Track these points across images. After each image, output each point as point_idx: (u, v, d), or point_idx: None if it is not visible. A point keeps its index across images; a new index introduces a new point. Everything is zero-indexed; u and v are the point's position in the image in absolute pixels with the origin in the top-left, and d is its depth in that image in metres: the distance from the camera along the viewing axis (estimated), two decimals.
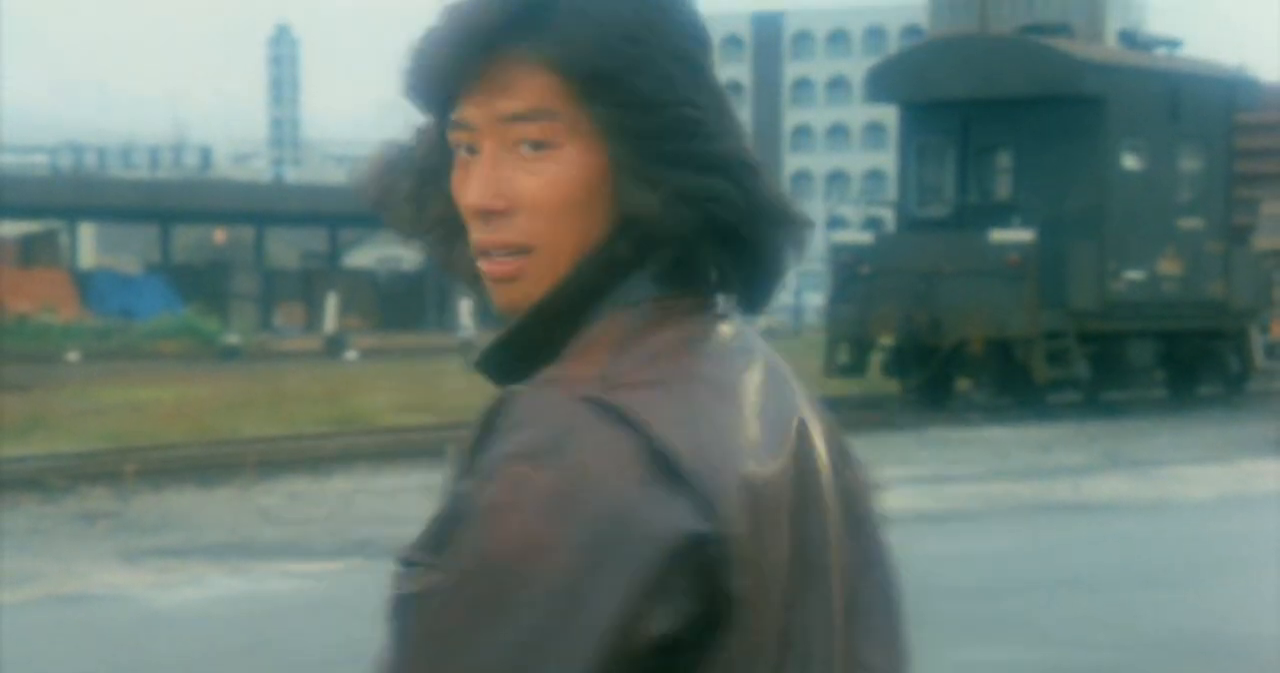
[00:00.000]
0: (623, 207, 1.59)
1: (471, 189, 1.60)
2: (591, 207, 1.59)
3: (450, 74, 1.60)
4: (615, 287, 1.60)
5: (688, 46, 1.61)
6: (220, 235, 60.85)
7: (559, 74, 1.58)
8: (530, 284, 1.60)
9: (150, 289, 46.02)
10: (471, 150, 1.61)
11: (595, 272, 1.59)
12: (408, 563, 1.49)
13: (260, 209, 49.82)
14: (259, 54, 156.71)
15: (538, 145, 1.59)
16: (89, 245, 62.12)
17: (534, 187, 1.59)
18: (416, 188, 1.67)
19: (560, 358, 1.57)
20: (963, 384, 22.19)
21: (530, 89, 1.59)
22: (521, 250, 1.59)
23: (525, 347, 1.61)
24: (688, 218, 1.58)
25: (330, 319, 39.87)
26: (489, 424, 1.51)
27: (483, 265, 1.61)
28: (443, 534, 1.47)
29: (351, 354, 35.63)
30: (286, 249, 62.15)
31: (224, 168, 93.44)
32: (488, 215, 1.59)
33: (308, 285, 49.25)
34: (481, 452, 1.50)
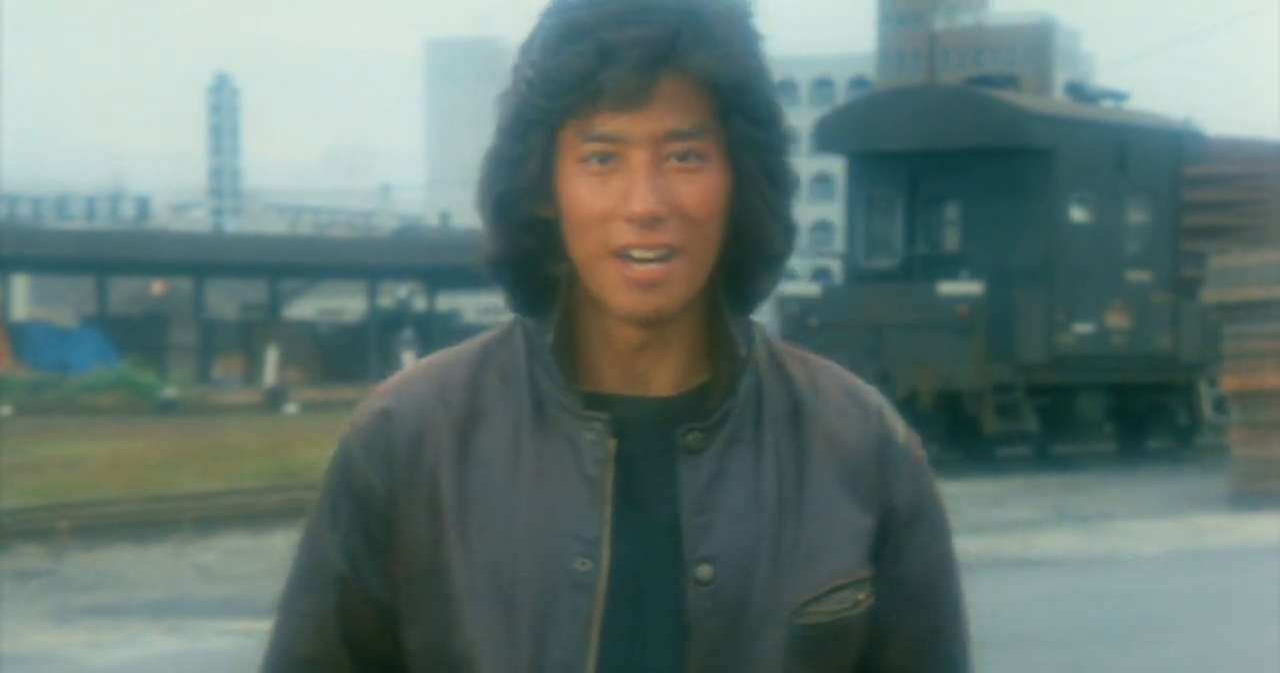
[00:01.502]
0: (745, 223, 1.75)
1: (636, 196, 1.71)
2: (723, 219, 1.75)
3: (621, 91, 1.69)
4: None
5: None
6: (158, 287, 60.58)
7: (711, 91, 1.72)
8: (676, 288, 1.72)
9: (86, 342, 45.74)
10: (605, 160, 1.72)
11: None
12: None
13: (199, 260, 49.65)
14: (198, 103, 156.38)
15: (685, 157, 1.72)
16: (23, 297, 61.73)
17: (692, 195, 1.72)
18: (532, 196, 1.75)
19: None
20: None
21: (693, 106, 1.72)
22: (672, 253, 1.71)
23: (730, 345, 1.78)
24: (788, 243, 1.79)
25: (270, 372, 39.73)
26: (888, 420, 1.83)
27: (623, 270, 1.71)
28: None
29: (292, 407, 35.47)
30: (226, 301, 61.91)
31: (162, 218, 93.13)
32: (651, 221, 1.70)
33: (247, 337, 49.05)
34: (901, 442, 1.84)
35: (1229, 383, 18.09)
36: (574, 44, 1.71)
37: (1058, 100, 26.17)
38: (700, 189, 1.72)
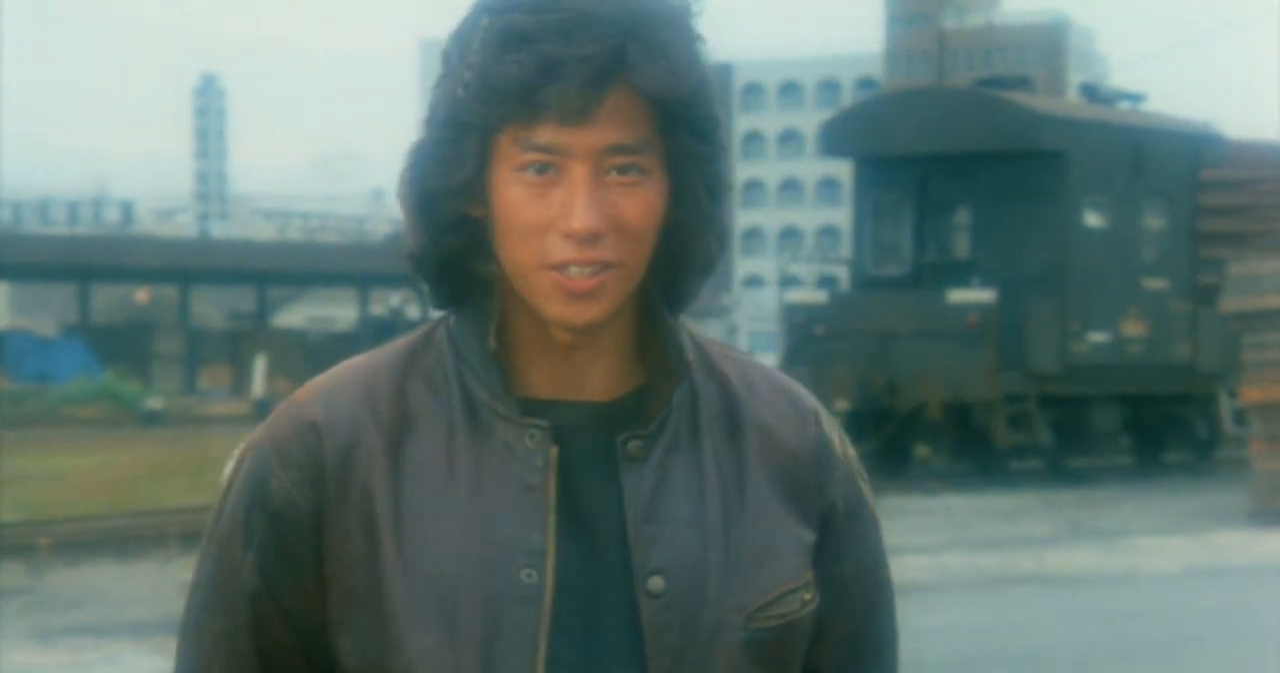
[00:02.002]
0: (680, 232, 1.78)
1: (576, 212, 1.72)
2: (659, 226, 1.77)
3: (565, 108, 1.71)
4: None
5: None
6: (142, 294, 60.59)
7: (658, 105, 1.73)
8: (609, 298, 1.75)
9: (68, 352, 45.73)
10: (543, 170, 1.73)
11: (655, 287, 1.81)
12: None
13: (185, 266, 49.66)
14: (184, 104, 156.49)
15: (626, 170, 1.74)
16: (2, 305, 61.76)
17: (632, 210, 1.74)
18: (462, 196, 1.77)
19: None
20: (921, 450, 22.26)
21: (638, 120, 1.74)
22: (606, 266, 1.74)
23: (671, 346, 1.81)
24: (719, 250, 1.80)
25: (258, 382, 39.72)
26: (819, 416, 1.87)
27: (558, 280, 1.74)
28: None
29: None
30: (212, 309, 61.93)
31: (147, 223, 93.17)
32: (591, 238, 1.72)
33: (235, 347, 49.07)
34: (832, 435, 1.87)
35: (1249, 394, 18.09)
36: (514, 53, 1.71)
37: (1071, 102, 26.19)
38: (640, 204, 1.74)
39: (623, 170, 1.73)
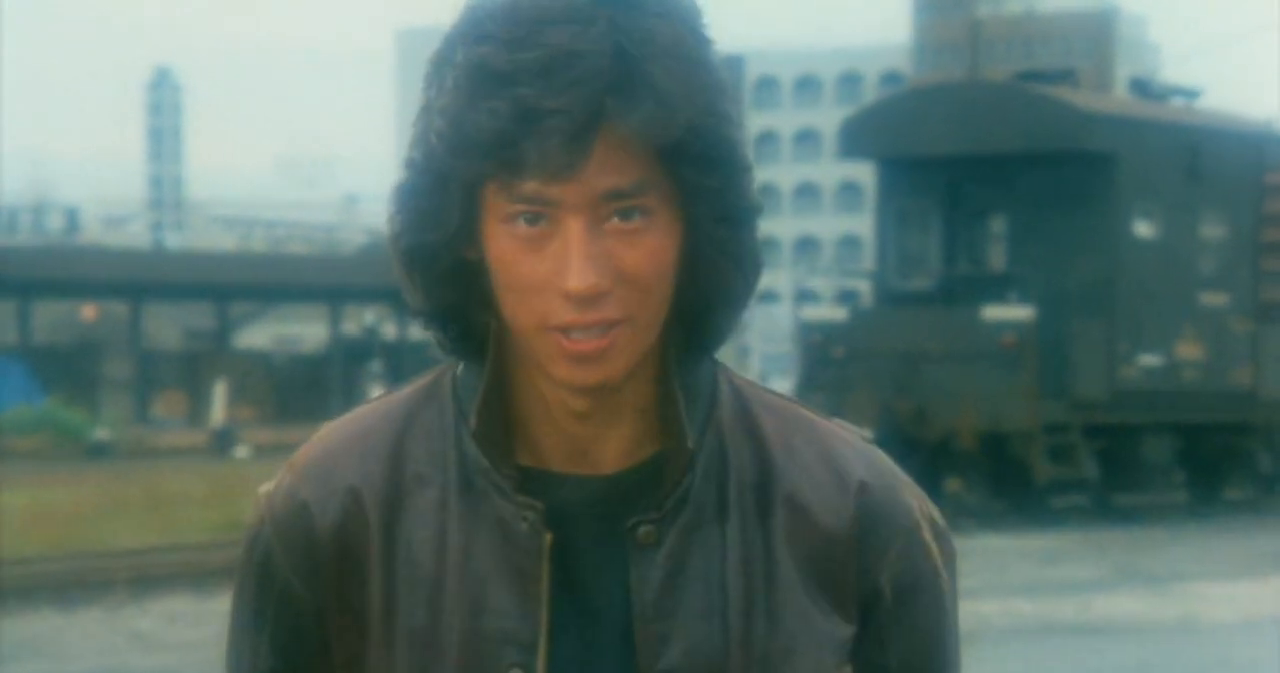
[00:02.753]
0: (698, 269, 1.75)
1: (572, 272, 1.69)
2: (673, 275, 1.74)
3: (548, 164, 1.68)
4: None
5: (733, 97, 1.77)
6: (89, 312, 60.57)
7: (656, 143, 1.70)
8: (620, 358, 1.72)
9: (6, 376, 45.72)
10: (534, 221, 1.71)
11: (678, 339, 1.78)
12: None
13: (136, 281, 49.67)
14: (136, 102, 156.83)
15: (627, 215, 1.71)
16: None
17: (635, 260, 1.71)
18: (452, 247, 1.76)
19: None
20: (952, 484, 22.24)
21: (633, 162, 1.70)
22: (614, 325, 1.71)
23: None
24: (748, 281, 1.78)
25: (218, 409, 39.71)
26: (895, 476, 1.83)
27: (561, 343, 1.71)
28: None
29: (242, 450, 35.47)
30: (167, 327, 61.92)
31: (94, 233, 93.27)
32: (591, 298, 1.70)
33: (192, 370, 49.08)
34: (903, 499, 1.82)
35: None
36: (488, 99, 1.69)
37: (1120, 98, 26.23)
38: (645, 253, 1.71)
39: (624, 215, 1.71)
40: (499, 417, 1.77)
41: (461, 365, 1.82)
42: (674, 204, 1.73)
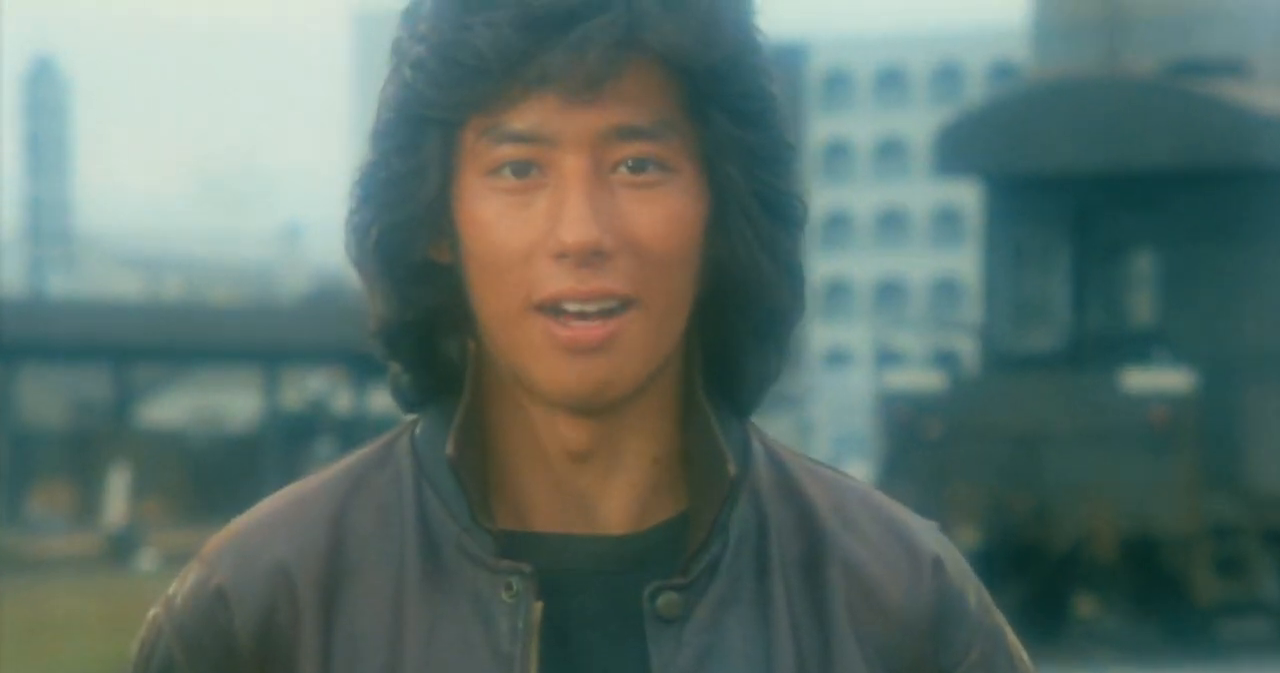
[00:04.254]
0: (726, 264, 1.78)
1: (568, 219, 1.73)
2: (696, 257, 1.77)
3: (562, 82, 1.72)
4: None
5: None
6: None
7: (682, 74, 1.75)
8: (629, 354, 1.75)
9: None
10: (523, 171, 1.75)
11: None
12: None
13: (8, 337, 49.77)
14: (8, 101, 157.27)
15: (640, 166, 1.75)
16: None
17: (648, 221, 1.75)
18: (427, 228, 1.79)
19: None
20: (1085, 605, 22.17)
21: (654, 95, 1.75)
22: (622, 305, 1.74)
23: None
24: (795, 298, 1.81)
25: (115, 506, 39.69)
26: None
27: (551, 328, 1.74)
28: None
29: (147, 559, 35.42)
30: (49, 399, 62.01)
31: None
32: (590, 256, 1.72)
33: (81, 454, 49.09)
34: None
35: None
36: (484, 9, 1.73)
37: None
38: (662, 212, 1.75)
39: (635, 167, 1.75)
40: (477, 455, 1.79)
41: (422, 423, 1.85)
42: (700, 165, 1.76)
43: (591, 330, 1.73)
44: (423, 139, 1.77)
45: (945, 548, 1.87)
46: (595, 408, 1.76)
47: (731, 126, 1.76)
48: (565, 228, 1.73)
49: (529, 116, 1.74)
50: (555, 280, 1.73)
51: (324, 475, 1.87)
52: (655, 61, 1.74)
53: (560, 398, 1.76)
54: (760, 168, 1.78)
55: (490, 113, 1.74)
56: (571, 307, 1.73)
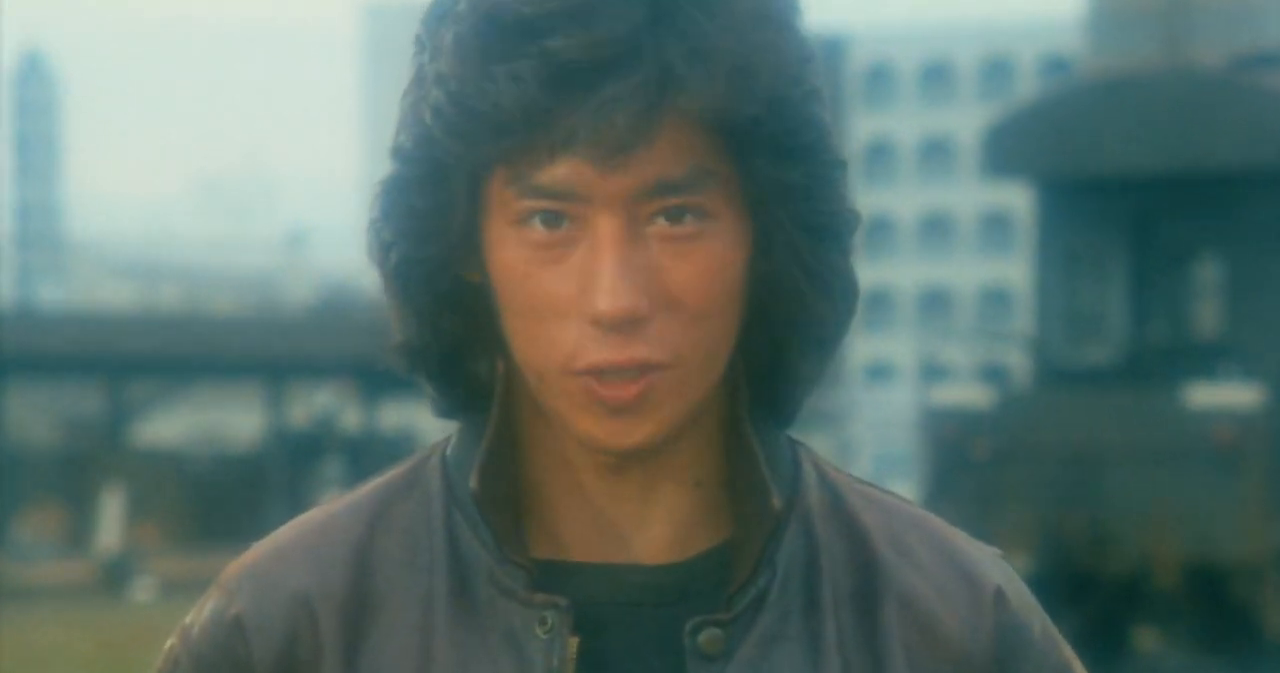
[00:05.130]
0: (772, 297, 1.81)
1: (602, 286, 1.75)
2: (739, 300, 1.81)
3: (591, 144, 1.73)
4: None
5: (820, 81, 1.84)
6: None
7: (728, 120, 1.76)
8: (666, 409, 1.77)
9: None
10: (554, 222, 1.76)
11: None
12: None
13: None
14: None
15: (678, 215, 1.76)
16: None
17: (686, 276, 1.77)
18: (453, 260, 1.81)
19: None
20: (1145, 636, 22.15)
21: (690, 144, 1.77)
22: (654, 368, 1.77)
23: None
24: (841, 317, 1.84)
25: (110, 530, 39.77)
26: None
27: (591, 388, 1.76)
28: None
29: (143, 588, 35.51)
30: (39, 416, 62.16)
31: None
32: (627, 324, 1.75)
33: (73, 475, 49.17)
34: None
35: None
36: (507, 59, 1.73)
37: None
38: (700, 267, 1.77)
39: (673, 217, 1.77)
40: (509, 482, 1.81)
41: (454, 440, 1.87)
42: (741, 207, 1.78)
43: (627, 388, 1.75)
44: (446, 180, 1.78)
45: (1007, 578, 1.88)
46: (634, 457, 1.80)
47: (775, 169, 1.78)
48: (600, 297, 1.75)
49: (557, 174, 1.75)
50: (594, 351, 1.75)
51: (350, 499, 1.88)
52: (696, 114, 1.75)
53: (600, 448, 1.78)
54: (807, 200, 1.80)
55: (515, 165, 1.75)
56: (610, 375, 1.76)
